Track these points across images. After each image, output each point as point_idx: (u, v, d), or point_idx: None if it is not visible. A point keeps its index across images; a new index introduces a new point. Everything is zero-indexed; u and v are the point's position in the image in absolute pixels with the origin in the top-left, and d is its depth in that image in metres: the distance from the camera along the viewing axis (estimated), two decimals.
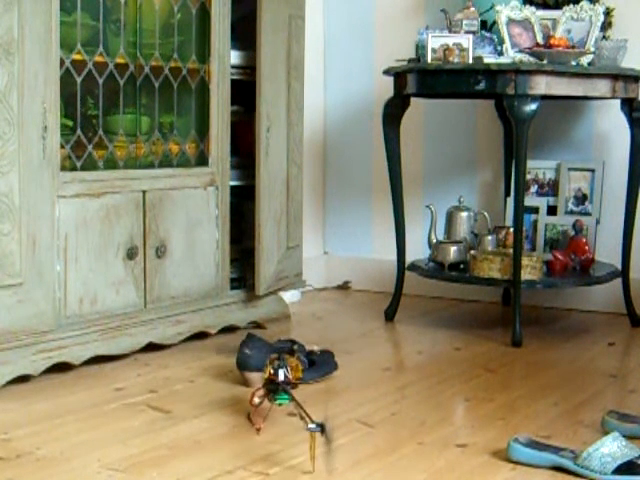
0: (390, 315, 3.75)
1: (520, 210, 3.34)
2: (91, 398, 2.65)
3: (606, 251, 3.82)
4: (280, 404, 2.29)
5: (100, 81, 2.99)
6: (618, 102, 3.62)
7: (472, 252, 3.54)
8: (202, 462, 2.15)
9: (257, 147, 3.41)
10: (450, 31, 3.60)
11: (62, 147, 2.86)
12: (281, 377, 2.26)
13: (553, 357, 3.20)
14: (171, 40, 3.24)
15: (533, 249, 3.80)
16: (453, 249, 3.61)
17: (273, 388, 2.28)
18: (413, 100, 3.74)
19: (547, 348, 3.32)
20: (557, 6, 3.72)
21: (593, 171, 3.83)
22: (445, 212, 3.78)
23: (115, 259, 3.02)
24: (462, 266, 3.62)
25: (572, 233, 3.68)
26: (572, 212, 3.82)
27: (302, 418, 2.16)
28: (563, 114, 3.97)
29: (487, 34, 3.64)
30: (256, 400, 2.35)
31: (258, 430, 2.32)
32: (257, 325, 3.56)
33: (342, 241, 4.50)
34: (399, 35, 4.21)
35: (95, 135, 3.00)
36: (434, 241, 3.67)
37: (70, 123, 2.92)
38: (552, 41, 3.43)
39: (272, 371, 2.28)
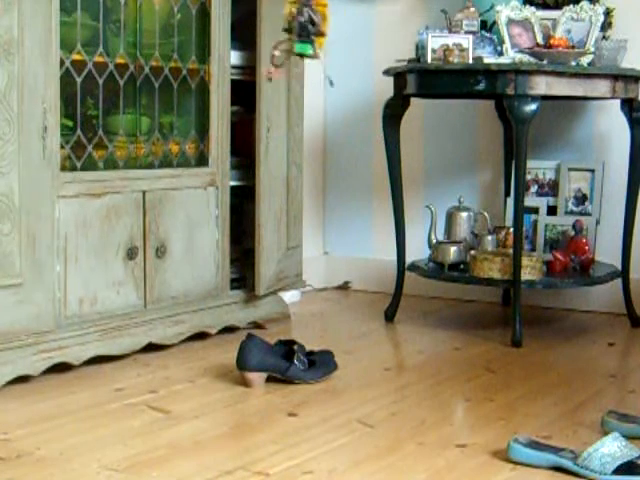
0: (390, 315, 3.74)
1: (520, 210, 3.34)
2: (91, 398, 2.65)
3: (606, 251, 3.81)
4: (300, 54, 1.87)
5: (100, 81, 2.99)
6: (618, 102, 3.62)
7: (472, 252, 3.54)
8: (202, 462, 2.15)
9: (257, 147, 3.40)
10: (450, 31, 3.60)
11: (62, 147, 2.86)
12: (305, 17, 1.82)
13: (553, 357, 3.20)
14: (171, 40, 3.23)
15: (533, 249, 3.80)
16: (453, 249, 3.61)
17: (297, 29, 1.82)
18: (413, 100, 3.74)
19: (547, 348, 3.31)
20: (557, 6, 3.72)
21: (593, 171, 3.83)
22: (445, 212, 3.78)
23: (115, 259, 3.02)
24: (462, 266, 3.61)
25: (572, 233, 3.67)
26: (572, 212, 3.82)
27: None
28: (563, 114, 3.97)
29: (487, 34, 3.64)
30: (276, 53, 1.96)
31: (269, 76, 1.95)
32: (257, 325, 3.55)
33: (342, 241, 4.50)
34: (399, 35, 4.21)
35: (95, 135, 3.00)
36: (434, 241, 3.67)
37: (70, 123, 2.92)
38: (552, 41, 3.43)
39: (295, 10, 1.84)
